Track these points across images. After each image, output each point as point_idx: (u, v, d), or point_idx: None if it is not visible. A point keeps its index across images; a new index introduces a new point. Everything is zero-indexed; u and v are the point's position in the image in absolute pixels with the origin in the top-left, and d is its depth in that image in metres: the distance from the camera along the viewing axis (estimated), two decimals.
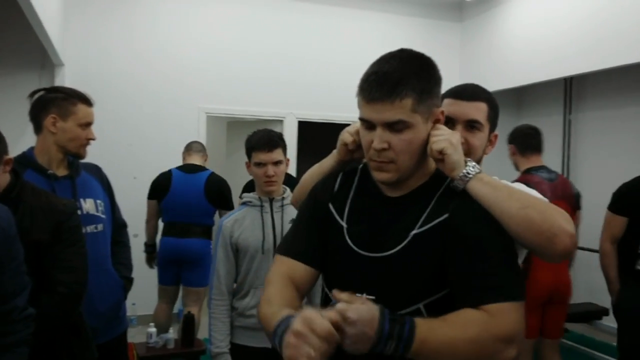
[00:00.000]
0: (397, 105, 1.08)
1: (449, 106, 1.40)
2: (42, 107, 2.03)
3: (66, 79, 4.70)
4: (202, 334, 3.83)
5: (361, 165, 1.32)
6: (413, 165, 1.17)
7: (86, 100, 2.10)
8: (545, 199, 1.23)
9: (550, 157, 5.48)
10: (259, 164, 2.19)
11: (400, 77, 1.09)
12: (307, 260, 1.25)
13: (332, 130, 6.44)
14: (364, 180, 1.28)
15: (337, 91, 5.62)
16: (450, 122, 1.38)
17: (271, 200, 2.24)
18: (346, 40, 5.67)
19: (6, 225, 1.40)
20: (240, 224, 2.20)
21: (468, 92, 1.43)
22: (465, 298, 1.08)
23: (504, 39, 5.43)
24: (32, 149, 2.07)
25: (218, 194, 3.84)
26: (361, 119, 1.16)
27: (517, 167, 3.22)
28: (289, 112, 5.56)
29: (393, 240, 1.16)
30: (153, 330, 3.30)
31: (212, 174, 3.93)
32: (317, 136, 7.29)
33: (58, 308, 1.65)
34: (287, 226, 2.20)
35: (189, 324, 3.38)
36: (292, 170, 4.84)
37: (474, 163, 1.17)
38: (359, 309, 0.94)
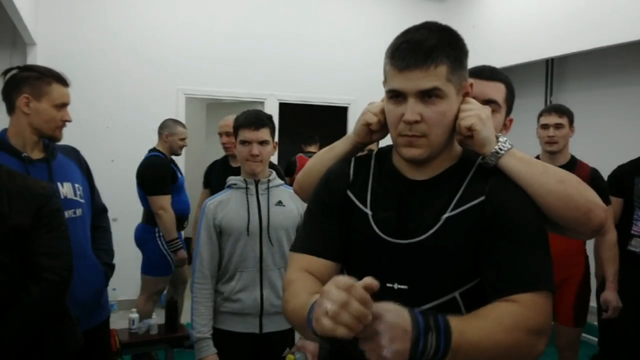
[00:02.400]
0: (432, 72, 1.03)
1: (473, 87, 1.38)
2: (15, 86, 1.94)
3: (38, 58, 4.55)
4: (184, 318, 3.79)
5: (375, 151, 1.25)
6: (444, 142, 1.10)
7: (61, 80, 2.01)
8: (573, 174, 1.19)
9: (533, 138, 5.53)
10: (244, 142, 2.14)
11: (435, 44, 1.04)
12: (326, 254, 1.16)
13: (312, 111, 6.46)
14: (382, 164, 1.21)
15: (319, 72, 5.56)
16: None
17: (257, 183, 2.18)
18: (327, 20, 5.59)
19: None
20: (224, 205, 2.15)
21: (487, 72, 1.40)
22: (497, 286, 1.02)
23: (485, 20, 5.41)
24: (5, 130, 1.98)
25: (140, 177, 3.70)
26: (391, 91, 1.08)
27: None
28: (270, 94, 5.48)
29: (424, 225, 1.09)
30: (135, 316, 3.23)
31: (149, 156, 3.75)
32: (298, 118, 7.26)
33: (46, 295, 1.59)
34: (273, 208, 2.17)
35: (172, 310, 3.33)
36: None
37: (505, 138, 1.12)
38: (384, 305, 0.84)
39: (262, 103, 5.42)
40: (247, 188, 2.18)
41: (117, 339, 2.88)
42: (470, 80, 1.14)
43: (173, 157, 3.89)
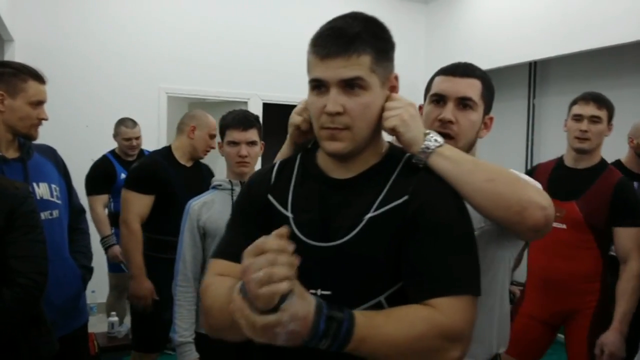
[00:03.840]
0: (354, 61, 0.99)
1: (440, 83, 1.33)
2: None
3: (16, 55, 4.43)
4: None
5: (300, 153, 1.20)
6: (368, 137, 1.05)
7: (38, 77, 1.95)
8: (526, 176, 1.16)
9: (515, 141, 5.58)
10: (233, 143, 2.10)
11: (358, 32, 1.00)
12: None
13: None
14: (305, 165, 1.16)
15: (302, 73, 5.49)
16: (441, 100, 1.32)
17: (242, 184, 2.14)
18: (310, 20, 5.53)
19: None
20: (209, 207, 2.10)
21: (461, 69, 1.34)
22: (415, 289, 0.98)
23: (469, 22, 5.42)
24: None
25: None
26: (312, 81, 1.04)
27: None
28: (253, 94, 5.42)
29: (346, 227, 1.03)
30: (115, 319, 3.16)
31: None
32: (283, 118, 7.20)
33: (20, 300, 1.53)
34: None
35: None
36: None
37: (435, 135, 1.08)
38: (294, 305, 0.80)
39: (245, 103, 5.36)
40: (232, 189, 2.13)
41: (96, 342, 2.81)
42: (395, 73, 1.09)
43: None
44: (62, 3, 4.74)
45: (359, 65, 0.99)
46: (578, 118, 2.29)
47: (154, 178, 2.72)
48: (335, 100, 1.00)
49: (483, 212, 1.06)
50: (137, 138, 3.84)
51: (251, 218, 1.13)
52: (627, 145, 3.15)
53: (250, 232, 1.06)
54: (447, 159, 1.06)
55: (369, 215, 1.03)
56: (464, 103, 1.30)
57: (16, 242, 1.54)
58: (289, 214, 1.10)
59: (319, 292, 1.02)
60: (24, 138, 1.96)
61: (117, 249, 3.63)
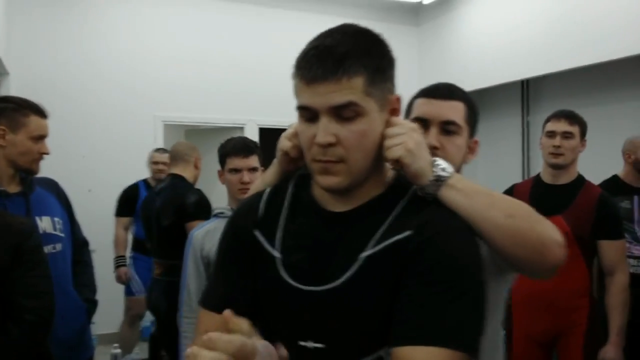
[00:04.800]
0: (345, 84, 0.85)
1: (421, 106, 1.24)
2: None
3: (12, 88, 4.44)
4: None
5: (296, 175, 1.06)
6: (367, 168, 0.92)
7: (39, 112, 1.96)
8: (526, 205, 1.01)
9: (510, 159, 5.61)
10: (234, 170, 2.10)
11: (347, 51, 0.86)
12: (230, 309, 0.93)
13: None
14: (299, 194, 1.02)
15: None
16: (424, 124, 1.20)
17: None
18: (303, 44, 5.60)
19: None
20: (212, 235, 2.09)
21: (442, 90, 1.25)
22: (395, 333, 0.83)
23: (461, 42, 5.50)
24: None
25: None
26: (300, 108, 0.91)
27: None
28: (249, 119, 5.44)
29: (340, 267, 0.90)
30: (117, 351, 3.12)
31: None
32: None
33: (27, 337, 1.52)
34: None
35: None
36: None
37: (443, 164, 0.95)
38: None
39: (241, 129, 5.38)
40: None
41: None
42: (397, 95, 0.96)
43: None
44: (57, 36, 4.77)
45: (350, 89, 0.86)
46: (551, 134, 2.34)
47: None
48: (326, 129, 0.87)
49: (501, 251, 0.94)
50: (164, 164, 3.89)
51: (235, 258, 1.01)
52: (623, 160, 3.18)
53: (236, 278, 0.99)
54: (460, 192, 0.93)
55: (366, 253, 0.89)
56: (447, 128, 1.20)
57: (22, 278, 1.53)
58: (276, 254, 0.96)
59: (311, 344, 0.90)
60: (26, 172, 1.96)
61: (123, 270, 3.85)
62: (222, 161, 2.15)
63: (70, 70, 4.80)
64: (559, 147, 2.30)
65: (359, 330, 0.89)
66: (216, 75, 5.28)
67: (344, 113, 0.87)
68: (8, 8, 4.44)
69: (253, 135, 5.36)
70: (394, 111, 0.95)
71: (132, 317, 3.99)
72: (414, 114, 1.25)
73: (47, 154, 1.99)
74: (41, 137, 1.96)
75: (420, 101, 1.26)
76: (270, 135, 5.80)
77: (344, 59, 0.85)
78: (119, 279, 3.86)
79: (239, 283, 0.99)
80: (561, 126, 2.32)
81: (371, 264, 0.88)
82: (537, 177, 2.46)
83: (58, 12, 4.79)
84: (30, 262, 1.56)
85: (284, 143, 1.08)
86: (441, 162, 0.95)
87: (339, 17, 5.72)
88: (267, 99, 5.43)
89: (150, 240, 3.09)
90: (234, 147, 2.11)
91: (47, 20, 4.74)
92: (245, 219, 1.02)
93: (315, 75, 0.86)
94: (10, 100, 1.96)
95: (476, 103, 1.29)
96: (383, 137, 0.93)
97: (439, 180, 0.93)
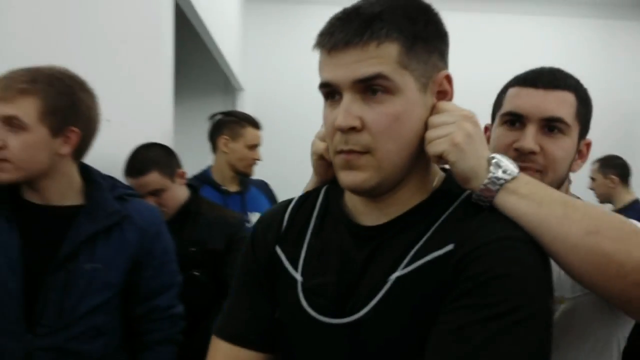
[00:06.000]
0: (372, 51, 0.68)
1: (516, 98, 0.99)
2: (217, 129, 2.32)
3: (245, 102, 5.18)
4: None
5: (326, 186, 0.89)
6: (403, 164, 0.72)
7: (255, 124, 2.34)
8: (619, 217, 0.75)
9: None
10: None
11: (379, 12, 0.69)
12: (248, 341, 0.84)
13: None
14: (329, 205, 0.85)
15: (473, 99, 5.35)
16: (518, 121, 0.98)
17: None
18: (521, 48, 5.36)
19: (146, 225, 1.38)
20: None
21: (546, 78, 0.98)
22: None
23: None
24: (210, 167, 2.36)
25: None
26: (322, 86, 0.74)
27: (611, 200, 2.94)
28: None
29: (367, 293, 0.73)
30: None
31: None
32: None
33: None
34: None
35: None
36: None
37: (505, 162, 0.74)
38: None
39: None
40: None
41: None
42: (446, 72, 0.75)
43: None
44: (284, 56, 5.39)
45: (380, 58, 0.68)
46: None
47: None
48: (347, 110, 0.69)
49: (579, 279, 0.72)
50: None
51: (256, 280, 0.87)
52: None
53: (256, 303, 0.85)
54: (524, 198, 0.71)
55: (396, 274, 0.71)
56: (551, 125, 0.95)
57: (234, 263, 1.87)
58: (298, 276, 0.80)
59: None
60: (242, 175, 2.36)
61: None
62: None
63: (293, 87, 5.36)
64: None
65: None
66: None
67: (372, 88, 0.69)
68: (244, 28, 5.18)
69: None
70: (443, 95, 0.76)
71: None
72: (506, 108, 1.01)
73: (259, 160, 2.37)
74: (255, 146, 2.34)
75: (514, 91, 1.01)
76: None
77: (374, 19, 0.68)
78: None
79: (257, 310, 0.85)
80: None
81: (403, 287, 0.70)
82: None
83: (284, 36, 5.42)
84: (239, 250, 1.90)
85: (317, 145, 0.90)
86: (502, 160, 0.74)
87: (558, 17, 5.36)
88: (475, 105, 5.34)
89: None
90: None
91: (275, 44, 5.40)
92: (267, 233, 0.87)
93: (337, 41, 0.69)
94: (233, 114, 2.40)
95: (587, 92, 1.02)
96: (426, 126, 0.74)
97: (495, 183, 0.72)
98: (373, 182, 0.72)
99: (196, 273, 1.79)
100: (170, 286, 1.45)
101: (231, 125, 2.29)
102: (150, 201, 1.69)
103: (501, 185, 0.72)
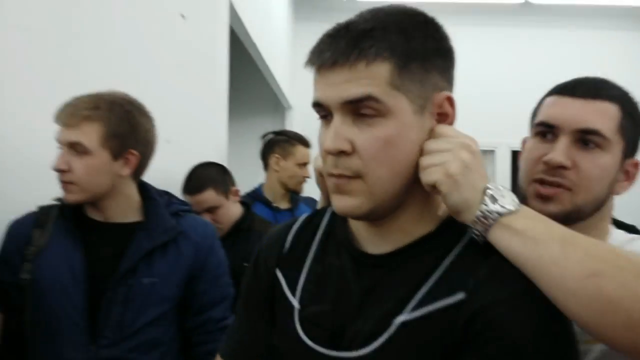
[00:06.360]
0: (362, 72, 0.63)
1: (550, 107, 0.92)
2: (269, 148, 2.38)
3: (294, 120, 5.27)
4: None
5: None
6: (396, 191, 0.67)
7: (305, 142, 2.40)
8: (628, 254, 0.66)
9: None
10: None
11: (370, 28, 0.64)
12: None
13: None
14: (334, 227, 0.80)
15: None
16: (550, 133, 0.89)
17: None
18: (564, 56, 5.22)
19: (200, 239, 1.43)
20: None
21: (586, 86, 0.89)
22: None
23: None
24: (261, 185, 2.42)
25: None
26: (314, 106, 0.70)
27: None
28: (500, 142, 5.32)
29: (367, 331, 0.68)
30: None
31: None
32: None
33: None
34: None
35: None
36: None
37: (501, 194, 0.66)
38: None
39: (492, 152, 5.28)
40: None
41: None
42: (446, 93, 0.69)
43: None
44: None
45: (369, 79, 0.64)
46: None
47: None
48: (337, 132, 0.65)
49: (584, 328, 0.63)
50: None
51: (254, 300, 0.84)
52: None
53: (250, 323, 0.83)
54: (517, 235, 0.64)
55: (401, 318, 0.66)
56: (586, 139, 0.86)
57: None
58: (295, 302, 0.77)
59: None
60: (292, 192, 2.41)
61: None
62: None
63: None
64: None
65: None
66: (466, 95, 5.29)
67: (361, 110, 0.65)
68: (293, 48, 5.29)
69: (504, 160, 5.23)
70: (444, 117, 0.70)
71: None
72: (539, 117, 0.93)
73: (309, 177, 2.40)
74: (305, 164, 2.39)
75: (550, 100, 0.93)
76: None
77: (363, 37, 0.64)
78: None
79: (255, 333, 0.83)
80: None
81: (408, 333, 0.65)
82: None
83: None
84: None
85: (317, 162, 0.85)
86: (499, 191, 0.67)
87: (599, 31, 5.22)
88: (521, 119, 5.22)
89: None
90: None
91: None
92: (269, 253, 0.84)
93: (325, 59, 0.65)
94: (284, 133, 2.46)
95: (637, 104, 0.91)
96: (421, 151, 0.68)
97: (487, 218, 0.65)
98: (365, 209, 0.67)
99: None
100: (224, 299, 1.48)
101: (282, 144, 2.35)
102: (206, 218, 1.75)
103: (495, 219, 0.65)
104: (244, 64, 3.34)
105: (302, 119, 5.14)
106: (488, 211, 0.65)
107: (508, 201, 0.66)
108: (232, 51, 2.15)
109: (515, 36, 5.37)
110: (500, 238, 0.65)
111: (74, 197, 1.30)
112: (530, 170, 0.91)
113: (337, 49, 0.64)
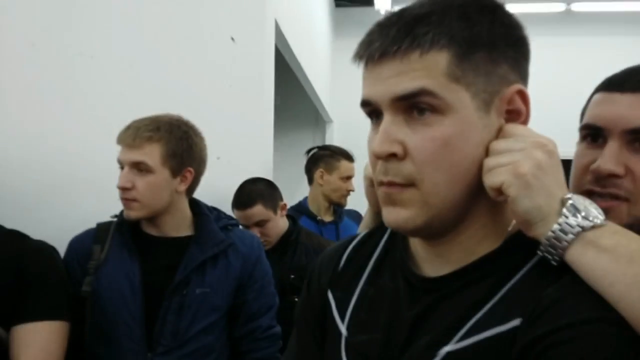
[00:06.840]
0: (415, 62, 0.55)
1: (596, 106, 0.78)
2: (313, 162, 2.43)
3: (334, 134, 5.33)
4: None
5: None
6: (456, 199, 0.58)
7: (348, 157, 2.44)
8: None
9: None
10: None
11: (427, 12, 0.55)
12: None
13: None
14: (393, 246, 0.71)
15: None
16: (598, 136, 0.77)
17: None
18: (600, 67, 5.11)
19: (247, 251, 1.49)
20: None
21: (636, 78, 0.75)
22: None
23: None
24: (306, 198, 2.47)
25: None
26: (362, 105, 0.62)
27: None
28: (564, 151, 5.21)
29: None
30: None
31: None
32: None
33: None
34: None
35: None
36: None
37: (584, 205, 0.55)
38: None
39: None
40: None
41: None
42: (518, 86, 0.58)
43: None
44: None
45: (423, 70, 0.55)
46: None
47: None
48: (386, 133, 0.57)
49: None
50: None
51: (305, 319, 0.77)
52: None
53: (300, 344, 0.77)
54: (605, 252, 0.53)
55: (447, 348, 0.57)
56: (637, 139, 0.73)
57: None
58: (343, 329, 0.69)
59: None
60: (336, 205, 2.44)
61: None
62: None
63: None
64: None
65: None
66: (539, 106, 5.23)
67: (415, 106, 0.56)
68: (332, 63, 5.35)
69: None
70: (515, 115, 0.59)
71: None
72: (585, 119, 0.81)
73: (352, 191, 2.44)
74: (348, 177, 2.43)
75: (598, 97, 0.79)
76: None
77: (417, 23, 0.55)
78: None
79: (304, 355, 0.76)
80: None
81: None
82: None
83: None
84: None
85: (368, 169, 0.77)
86: (584, 203, 0.55)
87: (627, 37, 5.03)
88: (569, 127, 5.12)
89: None
90: None
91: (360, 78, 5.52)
92: (322, 273, 0.77)
93: (373, 51, 0.57)
94: (328, 148, 2.51)
95: None
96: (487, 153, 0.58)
97: (566, 232, 0.54)
98: (419, 221, 0.58)
99: (296, 299, 1.87)
100: (270, 307, 1.54)
101: (326, 158, 2.40)
102: (255, 231, 1.81)
103: (576, 234, 0.54)
104: (287, 80, 3.42)
105: (342, 132, 5.19)
106: (568, 224, 0.54)
107: (594, 213, 0.55)
108: (276, 68, 2.22)
109: (558, 44, 5.28)
110: (582, 256, 0.53)
111: (136, 214, 1.37)
112: (578, 180, 0.77)
113: (388, 38, 0.56)
